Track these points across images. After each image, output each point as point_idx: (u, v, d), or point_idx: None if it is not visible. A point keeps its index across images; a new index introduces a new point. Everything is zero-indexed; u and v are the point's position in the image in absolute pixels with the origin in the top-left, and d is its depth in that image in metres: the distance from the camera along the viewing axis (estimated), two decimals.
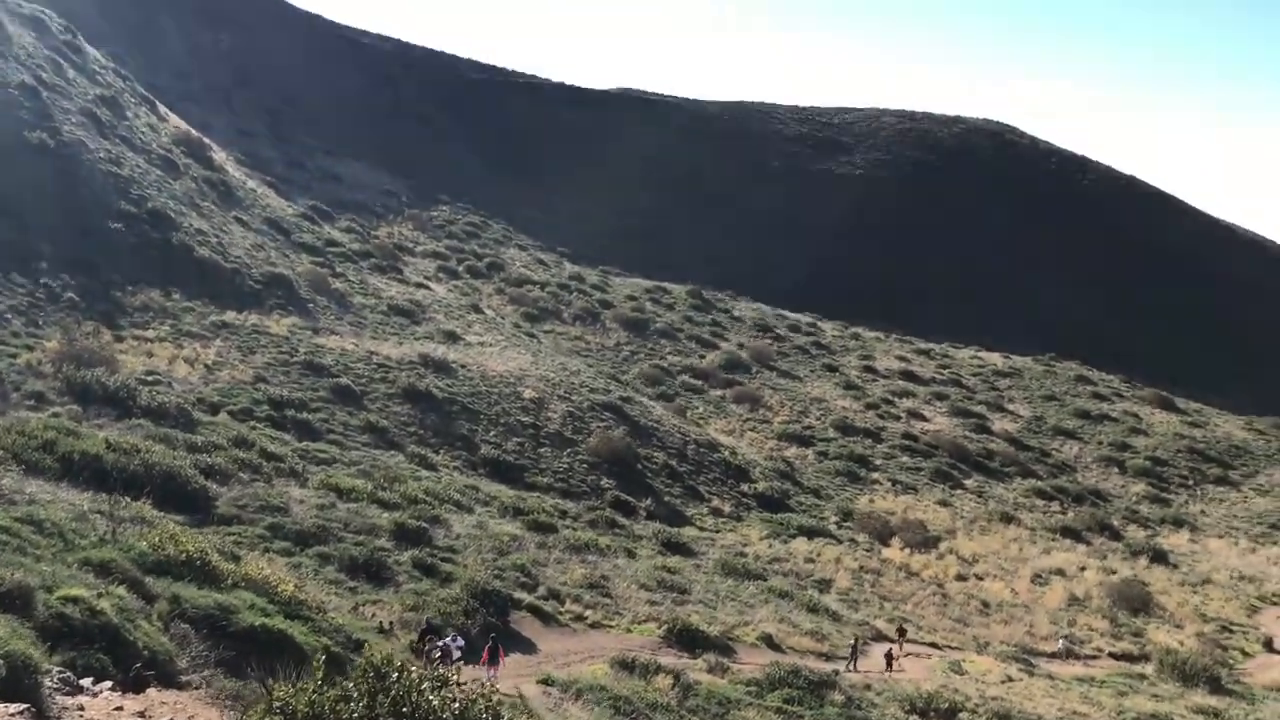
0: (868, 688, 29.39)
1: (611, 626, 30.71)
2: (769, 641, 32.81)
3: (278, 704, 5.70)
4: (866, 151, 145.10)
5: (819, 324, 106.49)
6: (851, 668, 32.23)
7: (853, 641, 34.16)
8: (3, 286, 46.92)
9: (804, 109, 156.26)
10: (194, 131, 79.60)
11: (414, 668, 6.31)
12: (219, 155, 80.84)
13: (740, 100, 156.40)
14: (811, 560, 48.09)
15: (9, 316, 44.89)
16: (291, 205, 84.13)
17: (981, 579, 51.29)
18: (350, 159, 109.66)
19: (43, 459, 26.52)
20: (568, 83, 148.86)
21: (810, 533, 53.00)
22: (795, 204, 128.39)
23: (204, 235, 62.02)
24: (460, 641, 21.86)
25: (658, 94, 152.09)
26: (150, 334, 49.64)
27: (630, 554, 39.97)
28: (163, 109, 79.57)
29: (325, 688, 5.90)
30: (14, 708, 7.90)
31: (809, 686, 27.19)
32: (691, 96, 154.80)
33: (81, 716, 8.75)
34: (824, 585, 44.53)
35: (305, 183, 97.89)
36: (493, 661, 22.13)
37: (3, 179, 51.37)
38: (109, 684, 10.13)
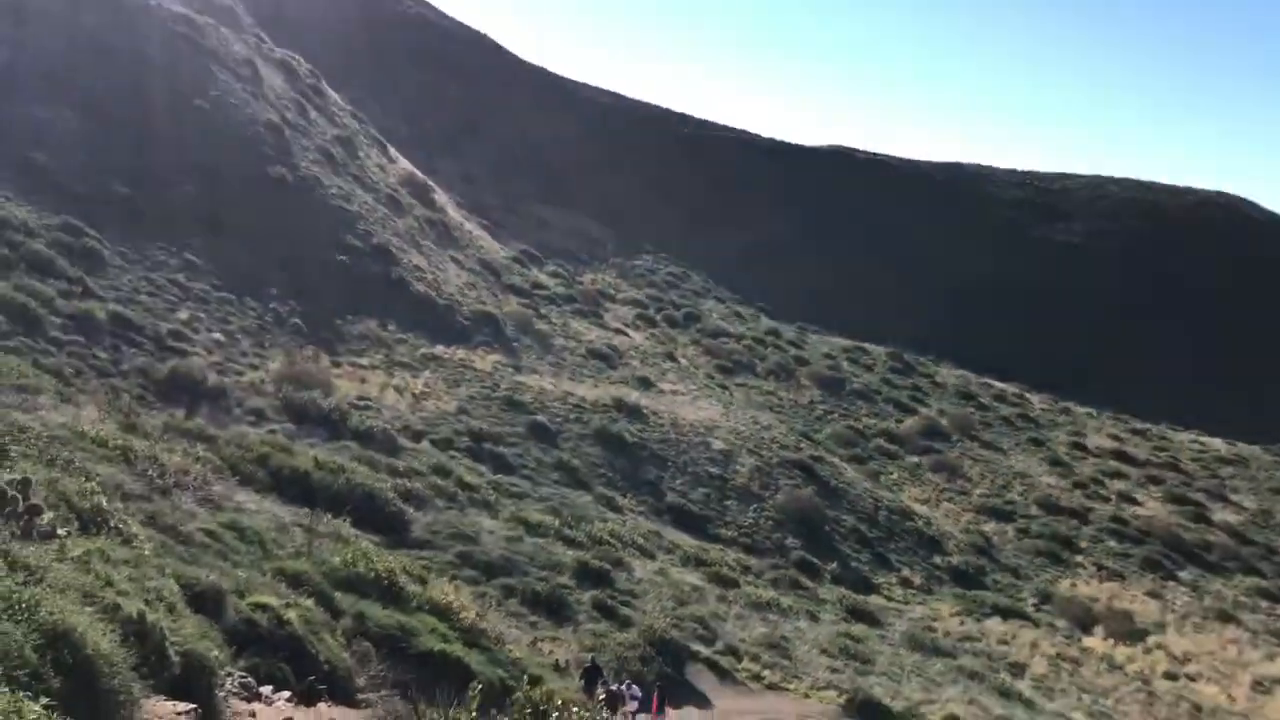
0: None
1: (789, 689, 29.81)
2: None
3: None
4: (1087, 219, 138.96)
5: (1026, 395, 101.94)
6: None
7: None
8: (236, 309, 50.20)
9: (1022, 173, 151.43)
10: (419, 174, 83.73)
11: (576, 709, 5.92)
12: (441, 197, 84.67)
13: (955, 161, 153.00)
14: (1005, 642, 45.59)
15: (239, 336, 47.91)
16: (504, 248, 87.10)
17: (1194, 680, 47.34)
18: (561, 206, 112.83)
19: (256, 472, 27.91)
20: (777, 138, 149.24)
21: (1005, 613, 50.35)
22: (1008, 269, 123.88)
23: (421, 272, 64.84)
24: (636, 691, 21.39)
25: (868, 151, 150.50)
26: (365, 361, 52.05)
27: (813, 617, 38.88)
28: (392, 151, 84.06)
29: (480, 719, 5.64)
30: (182, 707, 7.99)
31: None
32: (903, 155, 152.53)
33: None
34: (1018, 670, 42.03)
35: (518, 227, 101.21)
36: (660, 711, 21.73)
37: (245, 209, 55.25)
38: (287, 694, 10.28)
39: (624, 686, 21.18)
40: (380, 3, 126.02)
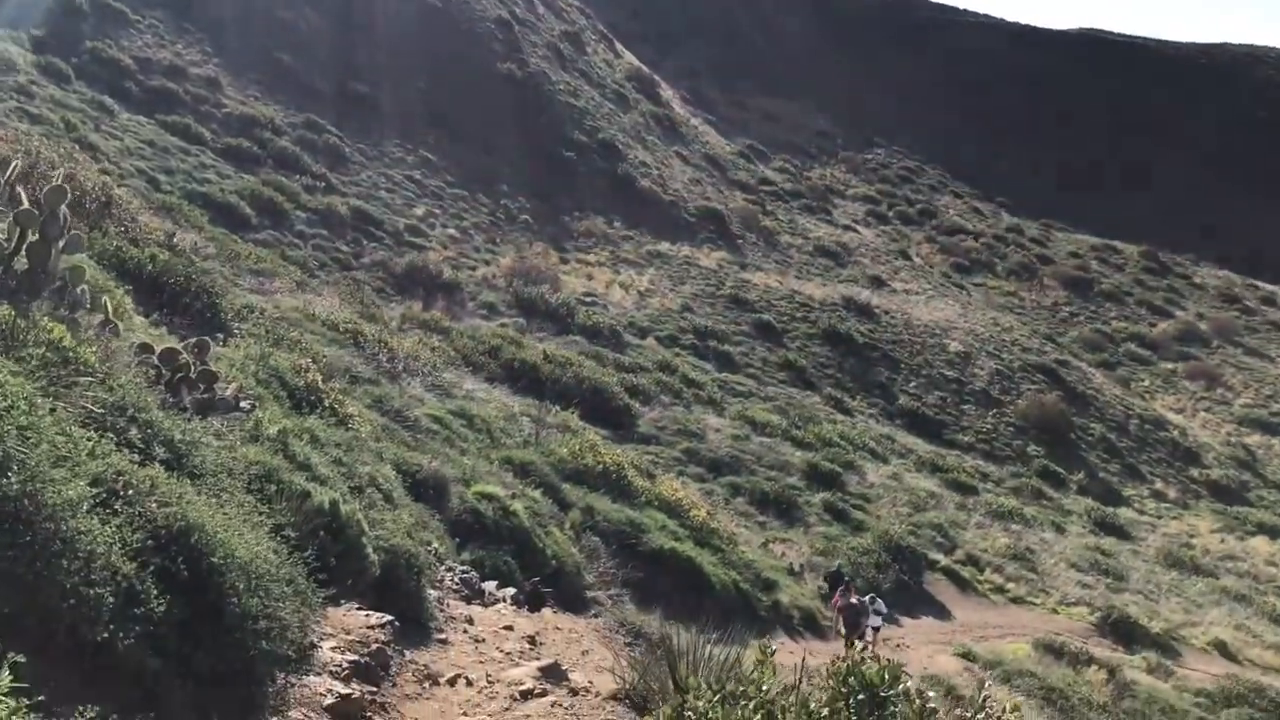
0: None
1: (1035, 604, 27.90)
2: (1222, 649, 28.44)
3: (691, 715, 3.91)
4: None
5: None
6: None
7: None
8: (469, 205, 50.94)
9: None
10: (645, 69, 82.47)
11: (924, 693, 4.00)
12: (666, 92, 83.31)
13: (1220, 42, 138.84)
14: (1274, 564, 41.66)
15: (472, 232, 48.64)
16: (729, 143, 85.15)
17: None
18: (789, 99, 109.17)
19: (487, 363, 28.10)
20: (1022, 21, 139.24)
21: (1273, 532, 46.02)
22: None
23: (646, 168, 64.06)
24: (881, 606, 19.59)
25: (1122, 34, 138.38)
26: (591, 258, 51.98)
27: (1058, 528, 36.45)
28: (619, 46, 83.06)
29: (774, 698, 3.89)
30: (376, 619, 6.71)
31: (1276, 710, 23.05)
32: (1161, 37, 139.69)
33: (465, 633, 7.69)
34: None
35: (744, 122, 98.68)
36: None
37: (476, 106, 55.78)
38: (512, 591, 9.57)
39: (868, 599, 19.48)
40: None
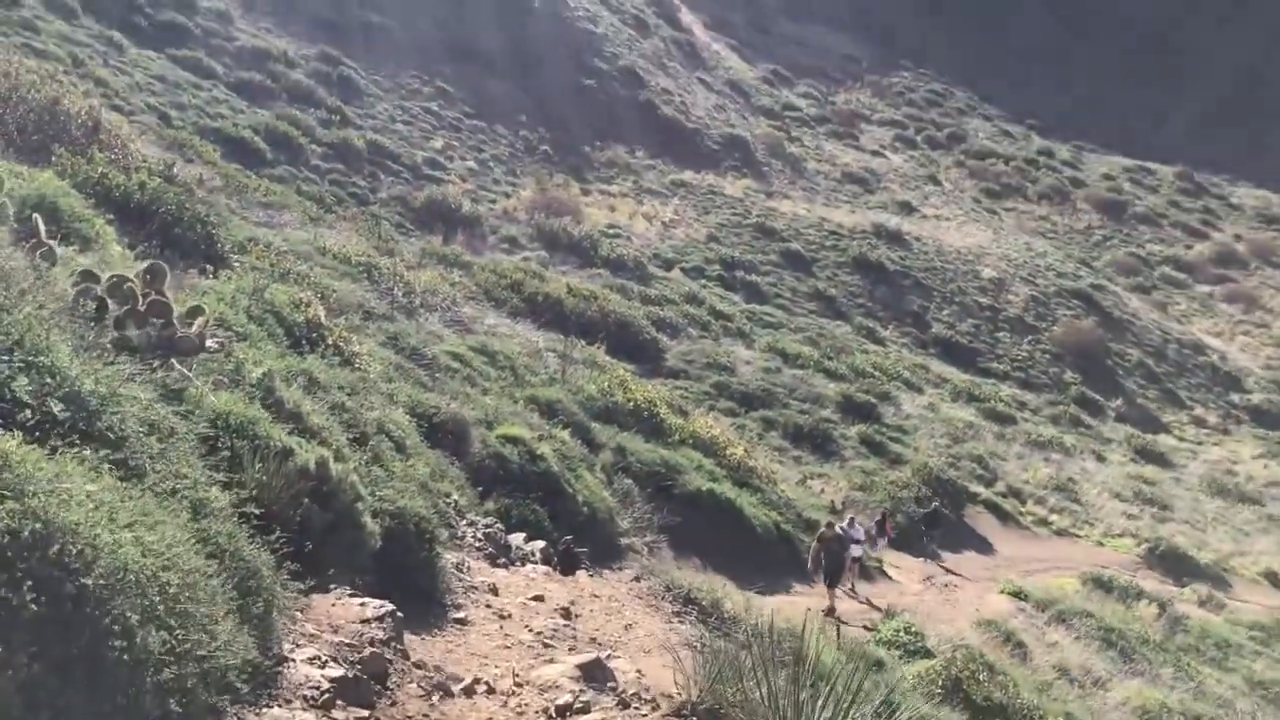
0: None
1: (1079, 536, 27.06)
2: (1273, 579, 27.61)
3: None
4: None
5: None
6: None
7: None
8: (488, 136, 49.72)
9: None
10: None
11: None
12: (687, 17, 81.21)
13: None
14: None
15: (491, 164, 47.50)
16: (752, 68, 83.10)
17: None
18: (812, 22, 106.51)
19: (510, 297, 27.22)
20: None
21: None
22: None
23: (669, 95, 62.45)
24: (858, 532, 17.55)
25: None
26: (614, 189, 50.78)
27: (1099, 457, 35.51)
28: None
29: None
30: (375, 607, 5.31)
31: None
32: None
33: (489, 607, 6.54)
34: None
35: (767, 46, 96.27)
36: (880, 533, 19.53)
37: (492, 36, 54.23)
38: (541, 544, 8.74)
39: (845, 523, 17.26)
40: None
